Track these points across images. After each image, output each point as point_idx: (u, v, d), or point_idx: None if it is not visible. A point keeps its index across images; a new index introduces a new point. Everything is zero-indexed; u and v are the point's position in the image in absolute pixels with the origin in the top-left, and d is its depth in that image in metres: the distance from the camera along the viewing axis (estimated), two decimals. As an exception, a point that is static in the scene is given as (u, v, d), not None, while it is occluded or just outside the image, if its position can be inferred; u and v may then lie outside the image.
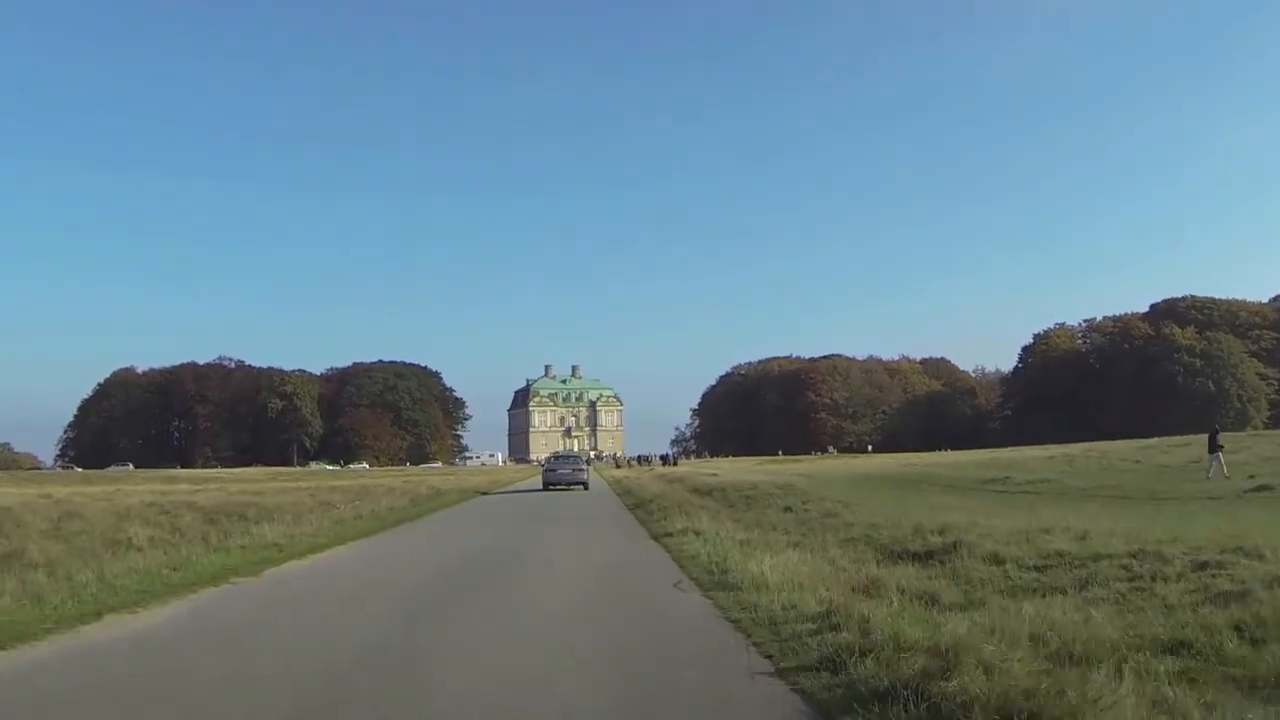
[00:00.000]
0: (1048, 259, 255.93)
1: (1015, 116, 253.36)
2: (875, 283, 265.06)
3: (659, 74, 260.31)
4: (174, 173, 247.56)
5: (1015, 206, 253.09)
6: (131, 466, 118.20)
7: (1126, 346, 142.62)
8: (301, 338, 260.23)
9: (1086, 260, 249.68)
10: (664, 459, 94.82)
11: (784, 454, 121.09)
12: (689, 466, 66.56)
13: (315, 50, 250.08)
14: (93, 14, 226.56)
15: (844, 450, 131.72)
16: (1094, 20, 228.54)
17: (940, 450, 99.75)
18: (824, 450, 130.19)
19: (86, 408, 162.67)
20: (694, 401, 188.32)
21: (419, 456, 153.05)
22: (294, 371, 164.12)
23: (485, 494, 38.69)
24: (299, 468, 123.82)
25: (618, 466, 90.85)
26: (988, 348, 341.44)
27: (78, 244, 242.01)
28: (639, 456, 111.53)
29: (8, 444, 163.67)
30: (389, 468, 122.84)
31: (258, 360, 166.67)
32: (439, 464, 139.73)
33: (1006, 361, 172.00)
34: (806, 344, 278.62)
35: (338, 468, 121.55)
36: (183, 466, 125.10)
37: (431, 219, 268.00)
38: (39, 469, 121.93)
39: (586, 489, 41.52)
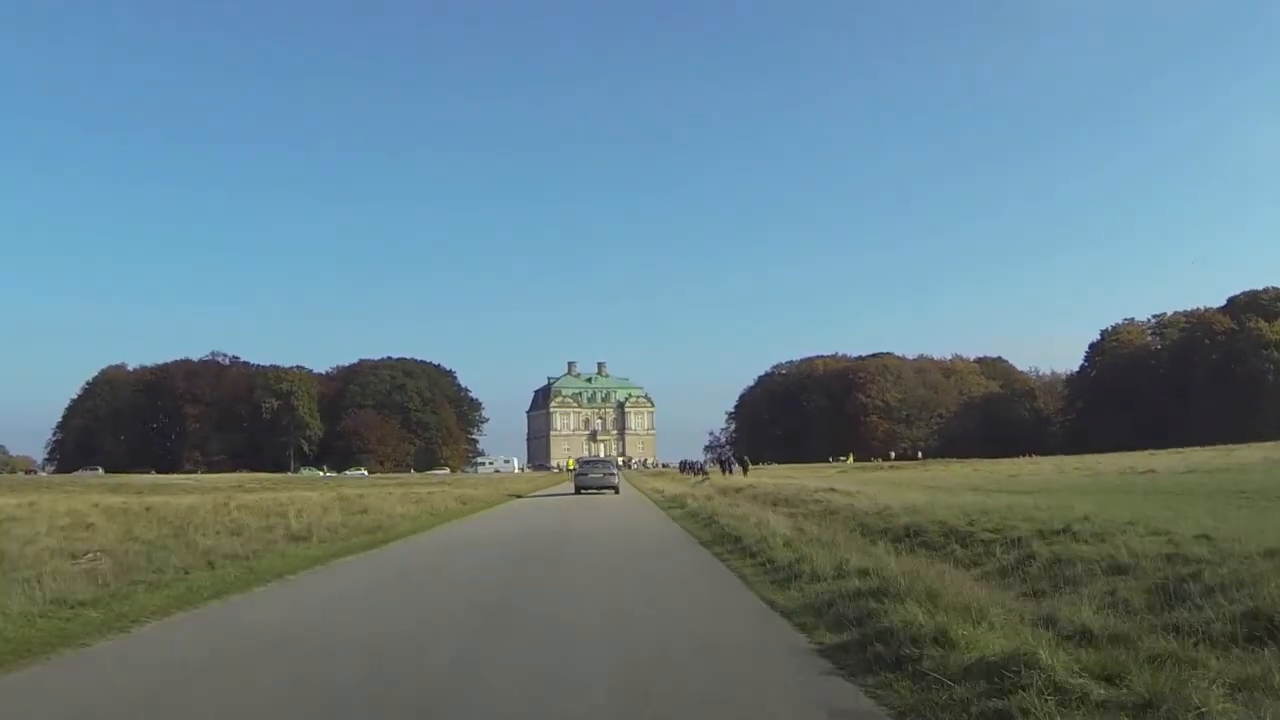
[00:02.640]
0: (1096, 258, 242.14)
1: (1067, 109, 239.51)
2: (913, 282, 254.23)
3: (688, 71, 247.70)
4: (187, 175, 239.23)
5: (1059, 204, 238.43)
6: (101, 471, 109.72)
7: (1206, 342, 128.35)
8: (309, 338, 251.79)
9: (1140, 256, 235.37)
10: (726, 465, 66.26)
11: (834, 460, 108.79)
12: (768, 477, 50.39)
13: (328, 56, 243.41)
14: (89, 20, 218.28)
15: (900, 458, 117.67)
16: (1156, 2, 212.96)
17: (1023, 458, 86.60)
18: (886, 457, 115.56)
19: (73, 409, 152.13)
20: (728, 404, 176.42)
21: (427, 462, 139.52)
22: (292, 368, 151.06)
23: (429, 529, 23.17)
24: (291, 474, 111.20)
25: (699, 473, 67.52)
26: (1037, 348, 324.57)
27: (79, 247, 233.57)
28: (685, 463, 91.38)
29: (3, 446, 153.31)
30: (389, 474, 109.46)
31: (263, 359, 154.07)
32: (447, 471, 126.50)
33: (1059, 363, 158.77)
34: (846, 342, 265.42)
35: (323, 474, 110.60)
36: (164, 471, 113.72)
37: (444, 217, 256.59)
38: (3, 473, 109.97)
39: (617, 493, 40.50)
